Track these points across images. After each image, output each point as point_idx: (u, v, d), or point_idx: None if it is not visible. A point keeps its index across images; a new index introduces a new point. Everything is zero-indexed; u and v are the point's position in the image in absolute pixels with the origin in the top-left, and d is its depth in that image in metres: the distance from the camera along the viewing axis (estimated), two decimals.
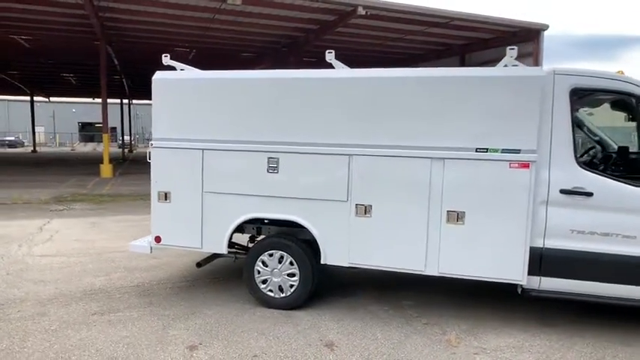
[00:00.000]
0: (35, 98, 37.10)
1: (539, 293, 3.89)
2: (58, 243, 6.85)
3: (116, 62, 22.05)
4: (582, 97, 3.88)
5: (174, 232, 4.56)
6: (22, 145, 44.10)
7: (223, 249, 4.44)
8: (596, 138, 4.81)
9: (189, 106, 4.45)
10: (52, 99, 41.84)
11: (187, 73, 4.59)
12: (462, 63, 20.95)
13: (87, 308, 4.38)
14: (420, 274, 4.04)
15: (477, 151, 3.80)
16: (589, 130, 4.80)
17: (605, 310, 4.19)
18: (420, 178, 3.91)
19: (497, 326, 4.10)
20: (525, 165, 3.71)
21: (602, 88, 3.82)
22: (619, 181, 3.71)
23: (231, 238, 4.46)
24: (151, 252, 4.73)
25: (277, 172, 4.23)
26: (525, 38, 17.59)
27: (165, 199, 4.54)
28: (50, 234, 7.43)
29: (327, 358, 3.48)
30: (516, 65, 3.98)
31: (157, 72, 4.56)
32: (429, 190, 3.90)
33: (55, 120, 50.55)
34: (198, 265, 4.84)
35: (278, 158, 4.21)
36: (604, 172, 3.80)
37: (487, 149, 3.78)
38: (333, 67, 4.28)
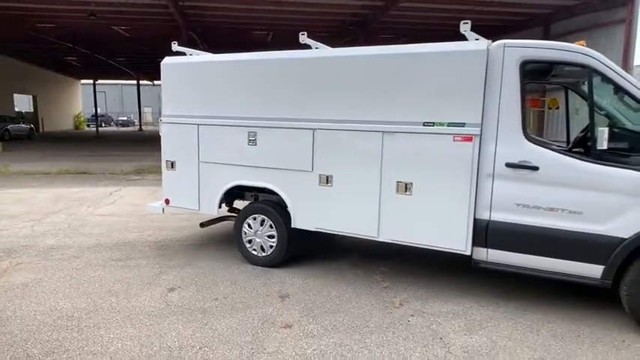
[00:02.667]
0: (141, 82, 41.61)
1: (487, 265, 3.96)
2: (117, 206, 8.18)
3: (203, 47, 24.06)
4: (533, 69, 3.77)
5: (178, 195, 5.35)
6: (132, 124, 49.90)
7: (215, 211, 5.14)
8: (603, 112, 4.52)
9: (188, 86, 5.14)
10: (155, 82, 46.54)
11: (187, 57, 5.26)
12: (546, 34, 19.22)
13: (111, 255, 5.39)
14: (375, 240, 4.33)
15: (424, 125, 3.94)
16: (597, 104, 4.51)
17: (574, 288, 4.11)
18: (373, 151, 4.16)
19: (452, 296, 4.25)
20: (468, 138, 3.78)
21: (553, 59, 3.68)
22: (567, 155, 3.61)
23: (222, 202, 5.13)
24: (163, 212, 5.59)
25: (255, 145, 4.75)
26: (616, 3, 15.64)
27: (172, 167, 5.34)
28: (115, 199, 8.85)
29: (274, 306, 4.00)
30: (478, 39, 3.96)
31: (166, 57, 5.31)
32: (381, 161, 4.14)
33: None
34: (202, 225, 5.61)
35: (256, 132, 4.73)
36: (552, 146, 3.70)
37: (434, 123, 3.91)
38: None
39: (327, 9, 17.54)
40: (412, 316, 3.84)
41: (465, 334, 3.51)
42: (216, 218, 5.58)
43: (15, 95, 31.30)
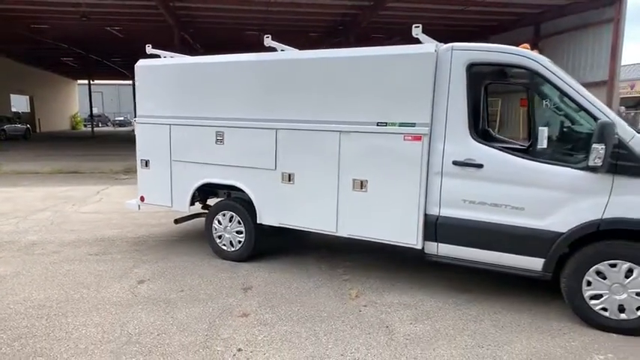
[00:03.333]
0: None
1: (438, 258, 4.16)
2: (102, 204, 8.39)
3: (198, 47, 24.26)
4: (480, 71, 3.97)
5: (152, 193, 5.56)
6: (129, 124, 50.17)
7: (186, 208, 5.34)
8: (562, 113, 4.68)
9: (160, 87, 5.34)
10: None
11: (160, 60, 5.46)
12: (537, 33, 19.41)
13: (89, 250, 5.60)
14: (334, 235, 4.53)
15: (377, 125, 4.14)
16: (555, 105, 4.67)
17: (526, 281, 4.30)
18: (331, 150, 4.36)
19: (408, 288, 4.45)
20: (418, 138, 3.98)
21: (498, 62, 3.88)
22: (509, 153, 3.80)
23: (194, 199, 5.33)
24: (139, 209, 5.79)
25: (223, 144, 4.95)
26: (604, 2, 15.82)
27: (146, 166, 5.55)
28: (101, 197, 9.07)
29: (236, 297, 4.20)
30: (432, 42, 4.14)
31: (140, 60, 5.51)
32: (339, 160, 4.34)
33: None
34: (176, 221, 5.81)
35: (223, 132, 4.93)
36: (496, 144, 3.89)
37: (386, 123, 4.10)
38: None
39: (317, 9, 17.73)
40: (365, 306, 4.04)
41: (411, 323, 3.71)
42: (191, 215, 5.78)
43: (12, 96, 31.53)
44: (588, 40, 16.80)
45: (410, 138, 4.00)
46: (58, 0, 16.00)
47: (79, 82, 44.91)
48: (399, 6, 17.18)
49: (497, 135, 5.28)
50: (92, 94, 33.60)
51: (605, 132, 3.17)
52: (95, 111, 39.90)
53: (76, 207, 8.09)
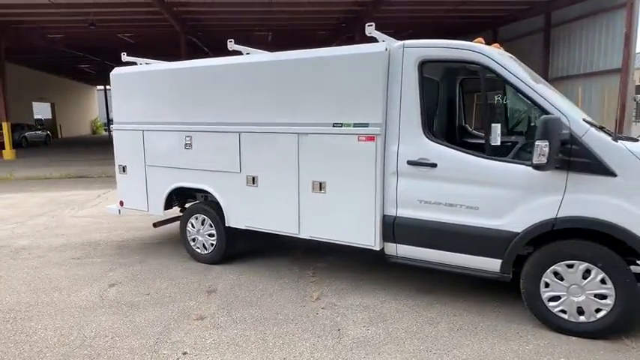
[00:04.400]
0: None
1: (397, 259, 4.09)
2: (99, 207, 8.59)
3: (206, 50, 24.56)
4: (432, 68, 3.87)
5: (130, 197, 5.66)
6: None
7: (161, 212, 5.42)
8: (515, 108, 4.58)
9: (134, 94, 5.43)
10: None
11: (132, 67, 5.54)
12: (548, 22, 18.85)
13: (73, 254, 5.75)
14: (297, 237, 4.52)
15: (333, 126, 4.10)
16: (508, 100, 4.59)
17: (495, 283, 4.19)
18: (291, 152, 4.34)
19: (372, 290, 4.40)
20: (371, 138, 3.92)
21: (450, 58, 3.76)
22: (462, 152, 3.70)
23: (167, 203, 5.40)
24: (120, 213, 5.91)
25: (191, 149, 5.00)
26: None
27: (124, 171, 5.66)
28: (100, 200, 9.29)
29: (198, 300, 4.24)
30: (392, 40, 4.07)
31: (115, 68, 5.61)
32: (298, 162, 4.32)
33: None
34: (154, 225, 5.90)
35: (191, 136, 4.98)
36: (450, 143, 3.79)
37: (342, 124, 4.06)
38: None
39: (319, 7, 17.66)
40: (323, 308, 4.02)
41: (364, 326, 3.67)
42: (169, 218, 5.86)
43: (34, 103, 32.64)
44: (601, 27, 16.20)
45: (364, 138, 3.95)
46: (68, 10, 16.43)
47: (99, 87, 46.20)
48: (401, 0, 16.95)
49: (474, 131, 5.16)
50: (108, 99, 34.44)
51: (547, 128, 3.05)
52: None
53: (73, 211, 8.32)
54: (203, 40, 22.75)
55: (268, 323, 3.75)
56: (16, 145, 22.43)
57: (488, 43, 4.13)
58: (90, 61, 28.94)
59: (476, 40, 3.80)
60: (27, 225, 7.34)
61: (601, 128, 3.45)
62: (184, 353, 3.31)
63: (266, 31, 22.88)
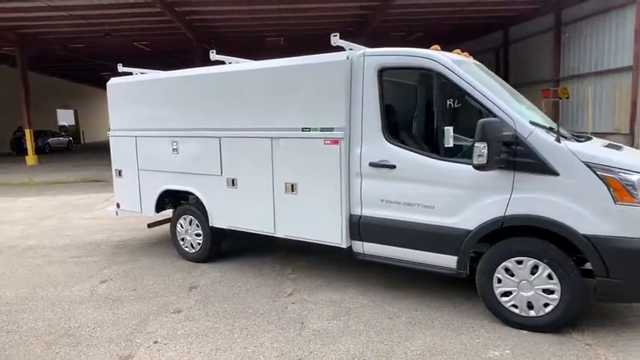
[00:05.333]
0: None
1: (364, 257, 4.29)
2: (105, 210, 9.03)
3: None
4: (391, 75, 4.06)
5: (125, 200, 6.02)
6: None
7: (152, 213, 5.75)
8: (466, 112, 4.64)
9: (128, 102, 5.79)
10: None
11: (127, 77, 5.90)
12: (558, 21, 18.63)
13: (73, 253, 6.14)
14: (274, 236, 4.76)
15: (302, 131, 4.33)
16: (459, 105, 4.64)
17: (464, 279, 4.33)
18: (265, 155, 4.60)
19: (344, 286, 4.60)
20: (335, 141, 4.14)
21: (406, 65, 3.95)
22: (418, 153, 3.88)
23: (159, 205, 5.72)
24: (117, 215, 6.28)
25: (178, 153, 5.31)
26: None
27: (119, 175, 6.02)
28: (108, 203, 9.71)
29: (179, 295, 4.53)
30: (352, 49, 4.29)
31: (112, 78, 5.99)
32: (272, 164, 4.57)
33: None
34: (149, 226, 6.25)
35: (178, 141, 5.29)
36: (408, 145, 3.97)
37: (310, 128, 4.29)
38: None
39: (328, 12, 17.94)
40: (293, 303, 4.25)
41: (327, 320, 3.88)
42: (163, 220, 6.19)
43: (59, 110, 33.98)
44: (611, 25, 15.95)
45: (329, 142, 4.17)
46: (85, 21, 17.17)
47: None
48: (409, 3, 17.07)
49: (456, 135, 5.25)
50: None
51: (485, 130, 3.21)
52: None
53: (81, 214, 8.79)
54: (217, 47, 23.35)
55: (239, 317, 4.01)
56: (40, 150, 23.49)
57: (450, 49, 4.31)
58: (110, 68, 29.96)
59: (432, 47, 3.97)
60: (37, 226, 7.82)
61: (551, 129, 3.58)
62: (155, 342, 3.59)
63: (278, 37, 23.34)
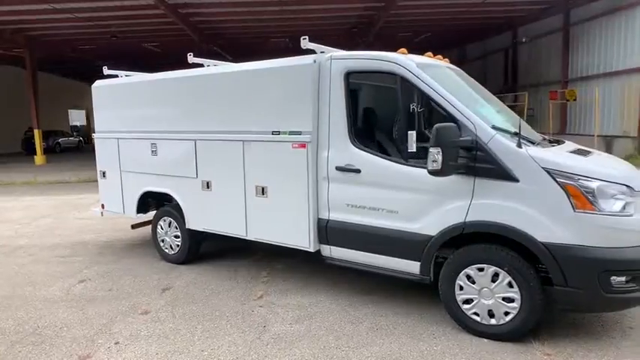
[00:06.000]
0: None
1: (332, 261, 4.27)
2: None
3: (229, 57, 25.33)
4: (357, 79, 4.02)
5: (109, 201, 6.09)
6: None
7: (134, 214, 5.81)
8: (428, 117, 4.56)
9: (110, 104, 5.87)
10: None
11: (109, 80, 5.98)
12: (567, 21, 18.30)
13: (60, 253, 6.24)
14: (246, 239, 4.77)
15: (272, 134, 4.33)
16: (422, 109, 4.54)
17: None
18: (237, 158, 4.61)
19: (316, 290, 4.58)
20: (303, 145, 4.12)
21: (371, 69, 3.91)
22: (382, 157, 3.84)
23: (141, 206, 5.77)
24: (102, 215, 6.36)
25: (157, 155, 5.36)
26: None
27: (104, 176, 6.10)
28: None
29: (150, 296, 4.57)
30: (323, 52, 4.27)
31: (96, 81, 6.07)
32: (244, 167, 4.58)
33: None
34: (133, 227, 6.31)
35: (156, 144, 5.34)
36: (373, 150, 3.93)
37: (279, 132, 4.29)
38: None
39: (332, 13, 17.92)
40: (261, 307, 4.25)
41: (290, 324, 3.87)
42: (146, 221, 6.25)
43: (71, 110, 34.60)
44: (620, 25, 15.61)
45: (297, 145, 4.16)
46: (91, 23, 17.45)
47: None
48: (412, 4, 16.95)
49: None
50: None
51: (439, 135, 3.16)
52: None
53: (76, 213, 8.93)
54: (225, 48, 23.53)
55: (204, 319, 4.02)
56: (50, 150, 23.96)
57: (419, 52, 4.27)
58: (120, 69, 30.41)
59: (399, 51, 3.93)
60: (31, 225, 7.97)
61: (516, 134, 3.50)
62: (116, 343, 3.63)
63: (283, 38, 23.40)
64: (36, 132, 19.67)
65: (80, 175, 14.79)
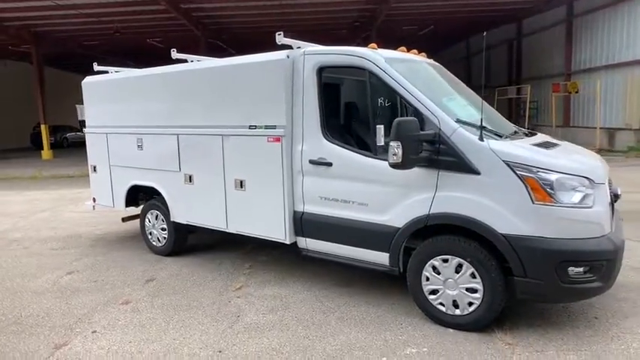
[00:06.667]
0: None
1: (308, 253, 4.36)
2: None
3: (233, 52, 25.42)
4: (329, 74, 4.08)
5: (100, 194, 6.24)
6: None
7: (123, 207, 5.95)
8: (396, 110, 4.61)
9: (100, 100, 5.99)
10: None
11: (99, 76, 6.09)
12: (570, 12, 18.08)
13: (54, 245, 6.42)
14: (226, 231, 4.87)
15: (249, 128, 4.41)
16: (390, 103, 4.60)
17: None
18: (217, 152, 4.70)
19: (293, 282, 4.67)
20: (277, 139, 4.20)
21: (342, 64, 3.97)
22: (352, 151, 3.90)
23: (129, 199, 5.91)
24: (94, 209, 6.52)
25: (142, 150, 5.48)
26: None
27: (94, 171, 6.25)
28: None
29: (134, 287, 4.70)
30: (300, 47, 4.33)
31: (86, 77, 6.20)
32: (223, 161, 4.67)
33: None
34: (123, 220, 6.45)
35: (142, 138, 5.45)
36: (344, 144, 3.99)
37: (256, 126, 4.37)
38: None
39: (333, 7, 17.89)
40: (238, 297, 4.36)
41: (263, 314, 3.97)
42: (137, 214, 6.38)
43: (79, 106, 34.94)
44: (623, 17, 15.39)
45: (272, 139, 4.24)
46: (94, 19, 17.64)
47: None
48: None
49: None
50: None
51: (399, 129, 3.21)
52: None
53: (73, 207, 9.12)
54: (229, 43, 23.62)
55: (181, 309, 4.14)
56: (58, 145, 24.31)
57: (391, 47, 4.31)
58: (125, 65, 30.70)
59: (369, 45, 3.98)
60: (29, 219, 8.17)
61: (483, 128, 3.54)
62: (93, 332, 3.76)
63: (286, 32, 23.36)
64: (43, 127, 20.00)
65: (84, 169, 14.82)
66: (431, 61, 4.79)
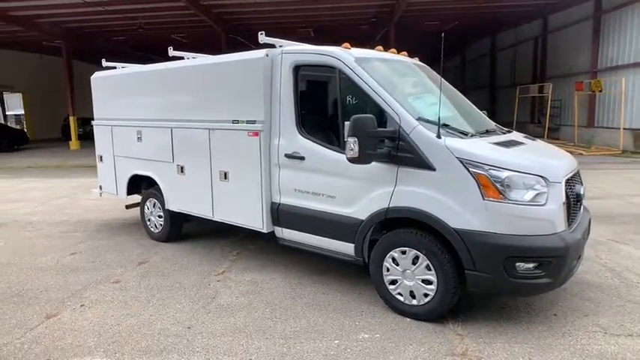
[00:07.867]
0: None
1: (284, 242, 4.59)
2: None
3: (253, 47, 25.85)
4: (304, 72, 4.26)
5: (106, 183, 6.65)
6: None
7: (125, 196, 6.34)
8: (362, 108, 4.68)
9: (106, 94, 6.39)
10: None
11: (106, 72, 6.48)
12: (599, 7, 17.51)
13: (64, 229, 6.89)
14: (212, 219, 5.16)
15: (232, 123, 4.67)
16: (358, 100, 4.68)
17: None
18: (204, 145, 4.99)
19: (273, 269, 4.93)
20: (256, 133, 4.44)
21: (315, 63, 4.15)
22: (322, 146, 4.09)
23: (131, 188, 6.29)
24: (101, 195, 6.95)
25: (142, 142, 5.83)
26: None
27: (101, 160, 6.66)
28: None
29: (126, 268, 5.05)
30: (282, 46, 4.54)
31: (95, 72, 6.61)
32: (210, 154, 4.96)
33: None
34: (127, 207, 6.85)
35: (141, 131, 5.80)
36: (316, 139, 4.18)
37: (238, 121, 4.62)
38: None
39: (351, 2, 17.95)
40: (218, 281, 4.64)
41: (236, 297, 4.23)
42: (138, 202, 6.77)
43: None
44: None
45: (251, 134, 4.49)
46: (120, 15, 18.34)
47: None
48: None
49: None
50: None
51: (355, 126, 3.38)
52: None
53: (89, 195, 9.65)
54: (249, 38, 24.04)
55: (164, 289, 4.45)
56: (87, 136, 25.36)
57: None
58: (152, 60, 31.65)
59: (343, 45, 4.15)
60: (47, 205, 8.73)
61: (445, 125, 3.67)
62: (82, 305, 4.12)
63: (306, 28, 23.62)
64: (71, 119, 20.99)
65: None
66: (413, 60, 4.92)
